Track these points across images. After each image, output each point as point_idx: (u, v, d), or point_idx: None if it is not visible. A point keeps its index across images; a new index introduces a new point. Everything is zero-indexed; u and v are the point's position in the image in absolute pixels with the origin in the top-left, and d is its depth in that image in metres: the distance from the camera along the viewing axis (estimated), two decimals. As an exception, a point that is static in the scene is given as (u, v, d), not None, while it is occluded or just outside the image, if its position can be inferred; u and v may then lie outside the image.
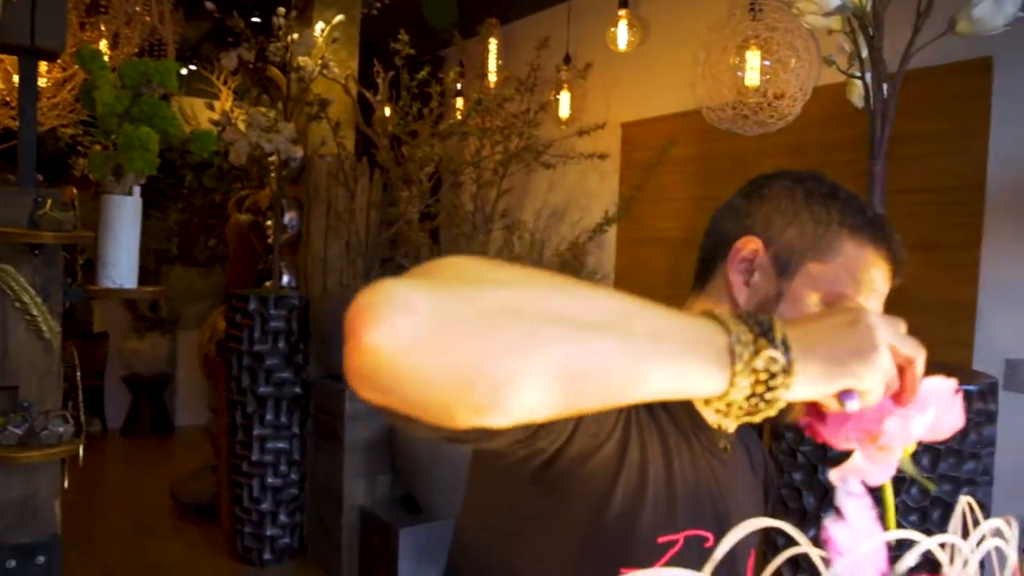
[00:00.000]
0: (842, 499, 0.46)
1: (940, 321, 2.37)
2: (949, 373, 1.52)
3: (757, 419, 0.54)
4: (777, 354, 0.51)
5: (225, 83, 5.15)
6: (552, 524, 0.76)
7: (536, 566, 0.78)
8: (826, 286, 0.80)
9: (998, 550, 0.56)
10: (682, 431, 0.83)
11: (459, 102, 3.67)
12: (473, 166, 3.28)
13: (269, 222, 3.68)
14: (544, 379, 0.46)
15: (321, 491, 3.36)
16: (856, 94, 1.51)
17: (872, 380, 0.56)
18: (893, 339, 0.58)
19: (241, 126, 3.24)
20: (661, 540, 0.77)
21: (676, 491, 0.79)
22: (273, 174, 3.46)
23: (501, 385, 0.45)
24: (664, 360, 0.49)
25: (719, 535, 0.84)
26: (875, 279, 0.81)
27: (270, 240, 3.62)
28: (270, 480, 3.32)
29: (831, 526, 0.44)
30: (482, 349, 0.44)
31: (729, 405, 0.52)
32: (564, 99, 3.27)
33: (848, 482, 0.47)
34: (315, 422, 3.39)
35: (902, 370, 0.58)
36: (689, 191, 3.08)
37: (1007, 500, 1.81)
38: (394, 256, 3.49)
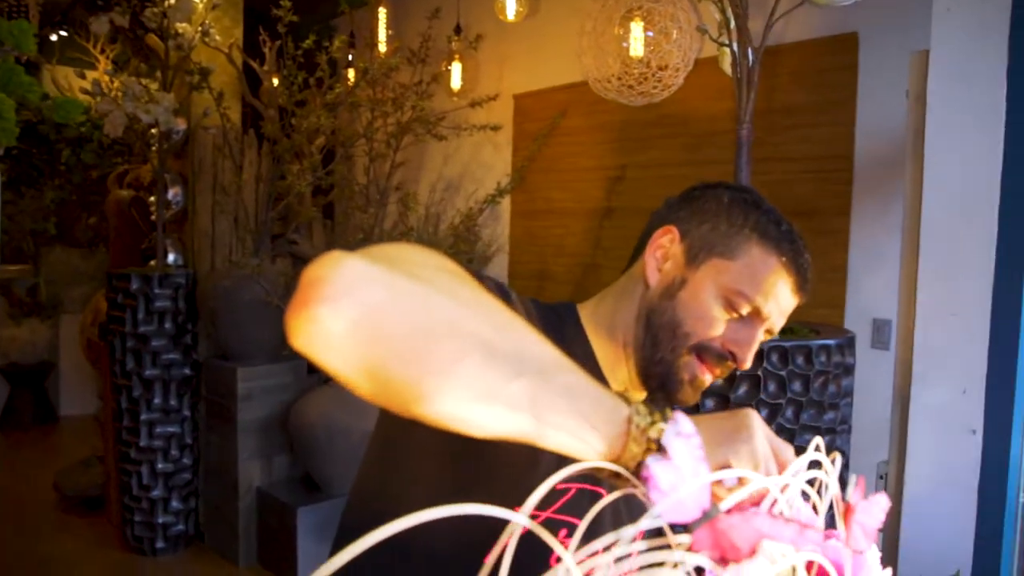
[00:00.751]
0: (670, 439, 0.47)
1: (815, 284, 2.49)
2: (815, 330, 1.59)
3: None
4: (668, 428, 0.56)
5: (102, 52, 4.85)
6: (441, 452, 0.80)
7: (416, 492, 0.83)
8: (726, 281, 0.88)
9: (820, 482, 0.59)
10: None
11: (351, 73, 3.59)
12: (365, 138, 3.21)
13: (152, 198, 3.51)
14: (460, 402, 0.50)
15: (216, 475, 3.27)
16: (727, 62, 1.56)
17: (748, 459, 0.61)
18: (771, 437, 0.64)
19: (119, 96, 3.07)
20: (558, 487, 0.81)
21: None
22: (154, 147, 3.29)
23: (412, 396, 0.49)
24: (571, 416, 0.53)
25: (612, 491, 0.89)
26: (776, 286, 0.88)
27: (154, 217, 3.45)
28: (160, 466, 3.20)
29: (653, 464, 0.45)
30: (411, 359, 0.48)
31: (620, 465, 0.55)
32: (456, 70, 3.24)
33: (679, 422, 0.48)
34: (207, 404, 3.28)
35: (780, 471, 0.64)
36: (580, 162, 3.12)
37: (872, 448, 1.93)
38: (285, 232, 3.40)
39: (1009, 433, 1.39)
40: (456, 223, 3.15)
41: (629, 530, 0.39)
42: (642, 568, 0.37)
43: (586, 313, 0.96)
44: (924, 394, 1.49)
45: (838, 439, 1.42)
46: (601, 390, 0.56)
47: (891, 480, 1.57)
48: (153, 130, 3.22)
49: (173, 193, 3.45)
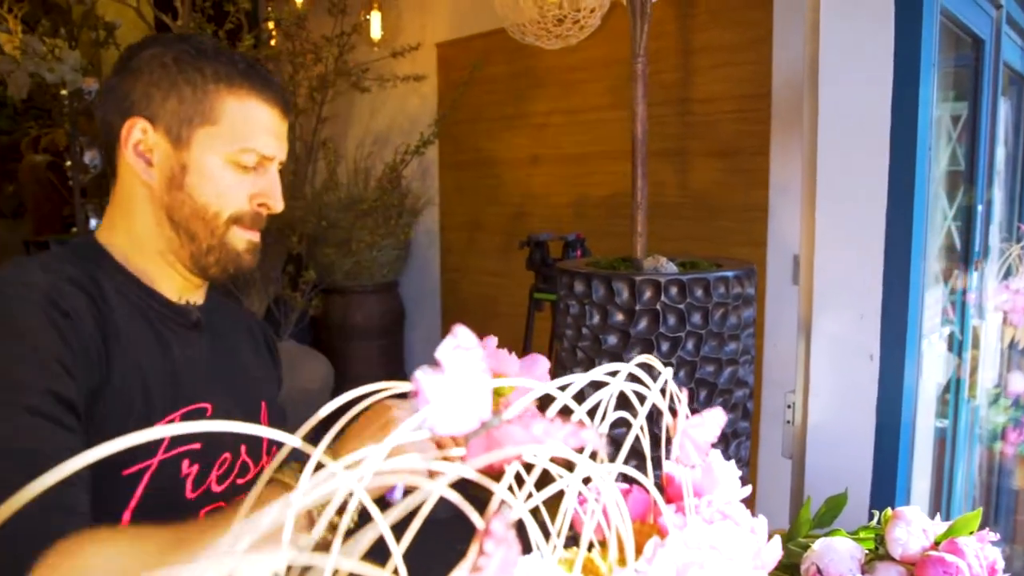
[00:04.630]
0: (446, 351, 0.45)
1: (737, 224, 2.52)
2: (717, 264, 1.60)
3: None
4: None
5: (10, 11, 4.61)
6: None
7: None
8: (223, 147, 0.85)
9: (637, 394, 0.59)
10: (147, 319, 0.86)
11: (271, 27, 3.47)
12: (287, 93, 3.12)
13: (69, 162, 3.39)
14: None
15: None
16: (625, -3, 1.53)
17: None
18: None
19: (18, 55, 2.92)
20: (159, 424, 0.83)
21: (157, 381, 0.83)
22: (67, 109, 3.16)
23: None
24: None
25: (223, 401, 0.91)
26: (265, 124, 0.87)
27: (72, 182, 3.33)
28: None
29: (421, 378, 0.43)
30: None
31: None
32: (375, 19, 3.15)
33: (458, 335, 0.46)
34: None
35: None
36: (504, 110, 3.08)
37: (791, 380, 1.96)
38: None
39: (903, 357, 1.43)
40: (382, 177, 3.09)
41: (378, 447, 0.37)
42: (389, 475, 0.36)
43: (106, 240, 0.89)
44: (824, 322, 1.52)
45: (740, 369, 1.44)
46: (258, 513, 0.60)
47: (797, 408, 1.60)
48: (63, 91, 3.08)
49: (90, 156, 3.33)
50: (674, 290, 1.33)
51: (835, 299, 1.49)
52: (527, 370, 0.65)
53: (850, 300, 1.47)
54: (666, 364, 1.32)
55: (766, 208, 2.50)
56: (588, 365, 1.40)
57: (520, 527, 0.41)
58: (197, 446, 0.85)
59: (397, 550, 0.37)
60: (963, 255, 2.30)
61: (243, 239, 0.89)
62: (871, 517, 1.46)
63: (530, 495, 0.44)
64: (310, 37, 3.04)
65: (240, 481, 0.91)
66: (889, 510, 1.08)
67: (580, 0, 2.30)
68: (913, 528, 1.03)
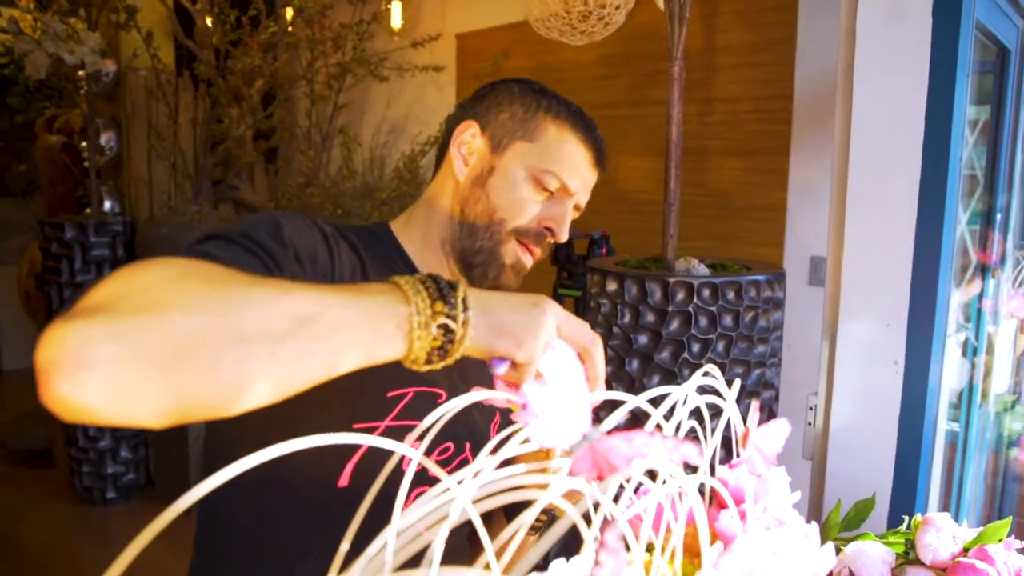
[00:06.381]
0: (548, 363, 0.47)
1: (755, 223, 2.53)
2: (746, 267, 1.61)
3: (439, 366, 0.58)
4: (451, 322, 0.56)
5: (23, -12, 4.59)
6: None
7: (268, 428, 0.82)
8: (532, 162, 0.92)
9: (711, 406, 0.61)
10: None
11: (289, 13, 3.46)
12: (305, 80, 3.12)
13: (84, 144, 3.38)
14: (255, 391, 0.49)
15: (163, 425, 3.24)
16: (661, -1, 1.54)
17: (527, 352, 0.59)
18: (568, 326, 0.62)
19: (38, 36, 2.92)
20: (390, 394, 0.84)
21: None
22: (83, 90, 3.15)
23: (209, 402, 0.47)
24: (350, 346, 0.53)
25: (452, 391, 0.91)
26: (576, 160, 0.93)
27: (87, 164, 3.33)
28: (106, 418, 3.15)
29: (528, 389, 0.44)
30: (183, 380, 0.46)
31: (414, 360, 0.56)
32: (396, 9, 3.15)
33: (557, 347, 0.48)
34: (151, 355, 3.23)
35: (582, 357, 0.62)
36: (524, 103, 3.07)
37: (808, 382, 1.98)
38: (226, 177, 3.31)
39: (928, 364, 1.44)
40: (400, 166, 3.10)
41: (489, 458, 0.39)
42: (508, 491, 0.37)
43: (398, 227, 0.99)
44: (850, 328, 1.54)
45: (768, 372, 1.46)
46: (372, 302, 0.55)
47: (819, 411, 1.62)
48: (80, 72, 3.08)
49: (106, 138, 3.33)
50: (707, 292, 1.34)
51: (861, 304, 1.51)
52: None
53: (877, 305, 1.48)
54: (696, 366, 1.34)
55: (784, 209, 2.51)
56: (618, 364, 1.41)
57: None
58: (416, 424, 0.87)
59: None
60: (978, 260, 2.31)
61: (514, 253, 0.93)
62: (892, 521, 1.48)
63: (629, 504, 0.45)
64: (331, 25, 3.03)
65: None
66: (919, 516, 1.10)
67: (606, -4, 2.30)
68: (943, 535, 1.05)
